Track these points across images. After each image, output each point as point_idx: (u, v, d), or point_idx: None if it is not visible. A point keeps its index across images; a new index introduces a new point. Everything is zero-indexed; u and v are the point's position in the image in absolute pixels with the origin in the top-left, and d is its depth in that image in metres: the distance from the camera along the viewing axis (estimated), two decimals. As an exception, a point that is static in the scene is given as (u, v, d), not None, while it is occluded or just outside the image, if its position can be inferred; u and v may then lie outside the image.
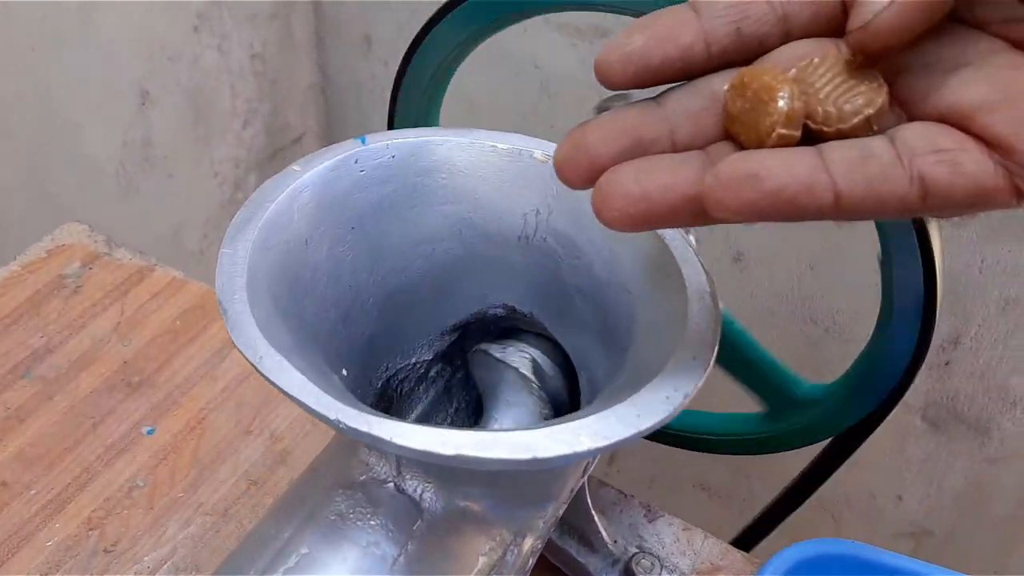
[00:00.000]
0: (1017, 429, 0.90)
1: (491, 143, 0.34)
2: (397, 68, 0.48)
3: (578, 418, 0.26)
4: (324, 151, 0.34)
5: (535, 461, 0.25)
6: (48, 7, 0.74)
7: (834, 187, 0.21)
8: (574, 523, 0.42)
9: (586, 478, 0.38)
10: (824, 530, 1.07)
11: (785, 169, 0.21)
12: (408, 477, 0.30)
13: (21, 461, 0.48)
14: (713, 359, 0.27)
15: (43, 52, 0.75)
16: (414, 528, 0.30)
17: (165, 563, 0.44)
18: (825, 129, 0.22)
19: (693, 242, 0.32)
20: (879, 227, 0.39)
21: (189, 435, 0.50)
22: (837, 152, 0.21)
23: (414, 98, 0.48)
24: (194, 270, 1.02)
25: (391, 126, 0.51)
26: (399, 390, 0.38)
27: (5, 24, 0.71)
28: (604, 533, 0.42)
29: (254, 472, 0.48)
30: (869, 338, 0.44)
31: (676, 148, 0.24)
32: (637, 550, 0.43)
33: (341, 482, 0.31)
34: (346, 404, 0.26)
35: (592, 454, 0.25)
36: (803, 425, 0.46)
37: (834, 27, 0.24)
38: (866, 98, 0.22)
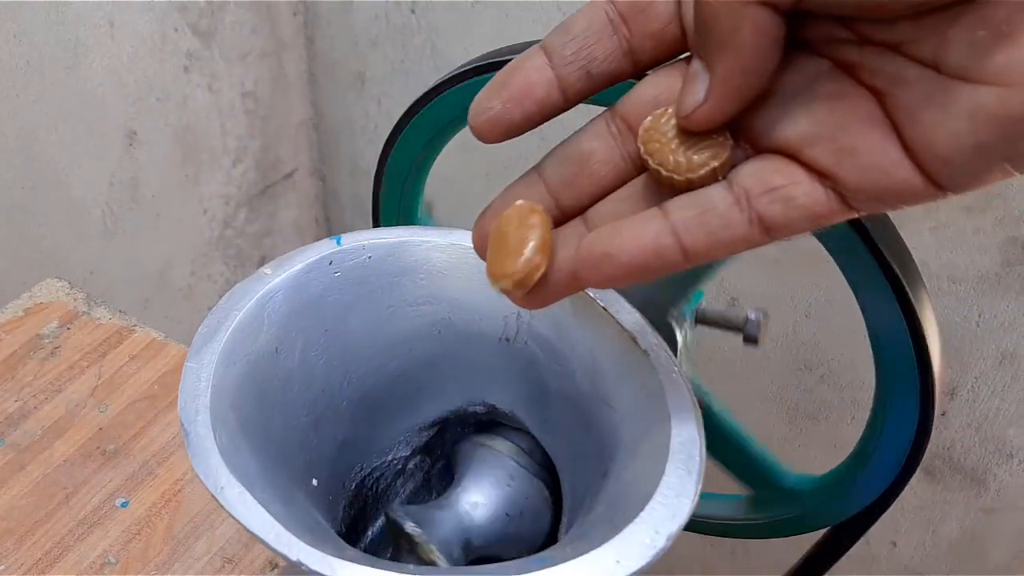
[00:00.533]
0: (1014, 480, 0.89)
1: (470, 244, 0.33)
2: (385, 139, 0.47)
3: (552, 562, 0.24)
4: (296, 252, 0.33)
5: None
6: (32, 51, 0.73)
7: (680, 246, 0.23)
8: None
9: None
10: (817, 573, 1.06)
11: (634, 242, 0.23)
12: None
13: (-9, 537, 0.47)
14: (697, 497, 0.26)
15: (27, 97, 0.74)
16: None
17: (134, 653, 0.43)
18: (676, 177, 0.24)
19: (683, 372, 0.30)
20: (873, 340, 0.38)
21: (164, 508, 0.49)
22: (679, 212, 0.23)
23: (396, 183, 0.47)
24: (182, 307, 1.01)
25: (375, 214, 0.50)
26: (375, 488, 0.37)
27: (-11, 70, 0.71)
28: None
29: (229, 549, 0.47)
30: (860, 437, 0.43)
31: (563, 214, 0.26)
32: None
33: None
34: (308, 541, 0.25)
35: (567, 601, 0.24)
36: (789, 516, 0.45)
37: (679, 50, 0.25)
38: (712, 151, 0.24)
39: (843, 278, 0.42)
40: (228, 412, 0.28)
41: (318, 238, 1.19)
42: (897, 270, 0.37)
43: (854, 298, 0.43)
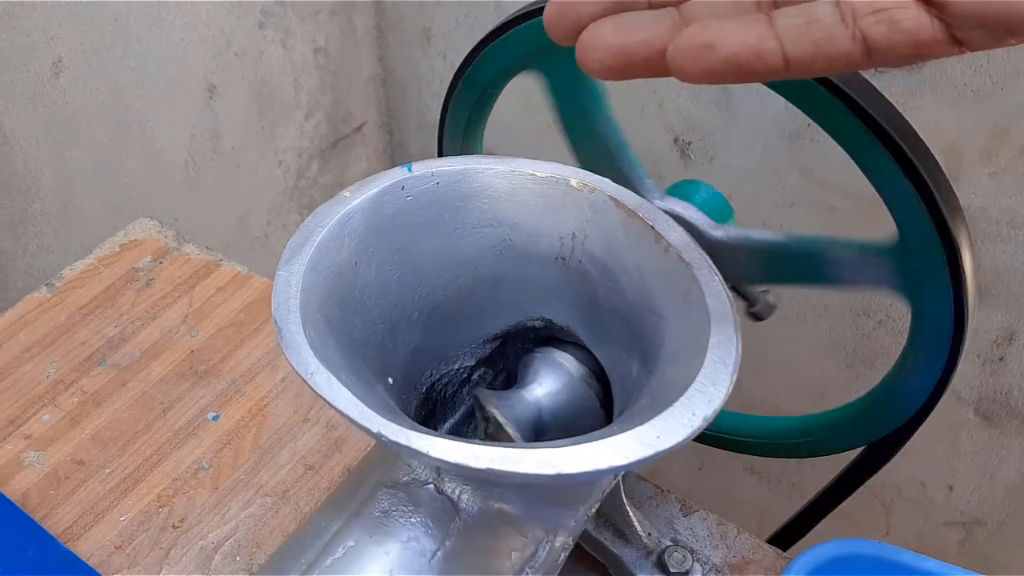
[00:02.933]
0: (1071, 426, 0.90)
1: (530, 171, 0.37)
2: (446, 91, 0.50)
3: (602, 437, 0.28)
4: (372, 179, 0.36)
5: (559, 476, 0.27)
6: (119, 8, 0.78)
7: (783, 52, 0.23)
8: (609, 516, 0.44)
9: (620, 477, 0.41)
10: (874, 517, 1.08)
11: (737, 38, 0.23)
12: (447, 480, 0.33)
13: (97, 442, 0.52)
14: (731, 386, 0.29)
15: (115, 52, 0.79)
16: (451, 526, 0.32)
17: (228, 540, 0.48)
18: None
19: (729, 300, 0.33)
20: (906, 253, 0.40)
21: (251, 421, 0.53)
22: (785, 19, 0.24)
23: (456, 133, 0.50)
24: (259, 254, 1.06)
25: (440, 147, 0.53)
26: (443, 393, 0.40)
27: (79, 26, 0.75)
28: (638, 526, 0.44)
29: (311, 458, 0.51)
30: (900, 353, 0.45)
31: (652, 6, 0.26)
32: (671, 543, 0.45)
33: (386, 482, 0.33)
34: (388, 418, 0.28)
35: (612, 472, 0.27)
36: (832, 435, 0.47)
37: None
38: None
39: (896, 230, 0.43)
40: (316, 314, 0.32)
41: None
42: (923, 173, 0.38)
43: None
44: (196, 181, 0.94)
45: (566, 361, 0.39)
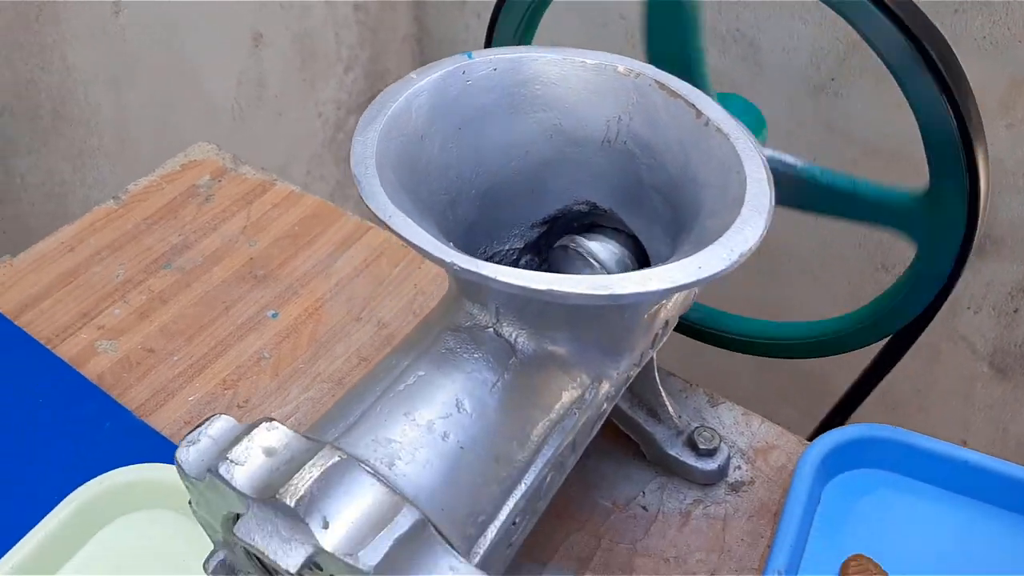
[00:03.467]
0: (1083, 378, 0.92)
1: (580, 59, 0.40)
2: (490, 17, 0.54)
3: (650, 270, 0.31)
4: (436, 64, 0.40)
5: (611, 296, 0.31)
6: (180, -48, 0.82)
7: None
8: (643, 397, 0.48)
9: (655, 353, 0.44)
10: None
11: None
12: (505, 324, 0.37)
13: (164, 334, 0.56)
14: (765, 230, 0.33)
15: (174, -7, 0.83)
16: (509, 363, 0.36)
17: (289, 418, 0.52)
18: None
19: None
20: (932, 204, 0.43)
21: (308, 319, 0.57)
22: None
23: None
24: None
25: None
26: (495, 270, 0.44)
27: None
28: (670, 407, 0.48)
29: (364, 351, 0.55)
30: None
31: None
32: (700, 423, 0.49)
33: (450, 327, 0.37)
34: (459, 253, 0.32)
35: (659, 296, 0.31)
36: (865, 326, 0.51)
37: None
38: None
39: (921, 180, 0.47)
40: (389, 173, 0.36)
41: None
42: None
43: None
44: (241, 126, 0.98)
45: (606, 244, 0.43)
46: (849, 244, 0.98)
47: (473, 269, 0.32)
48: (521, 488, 0.36)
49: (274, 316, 0.58)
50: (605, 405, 0.40)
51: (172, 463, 0.47)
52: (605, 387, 0.39)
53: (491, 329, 0.37)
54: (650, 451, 0.49)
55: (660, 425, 0.49)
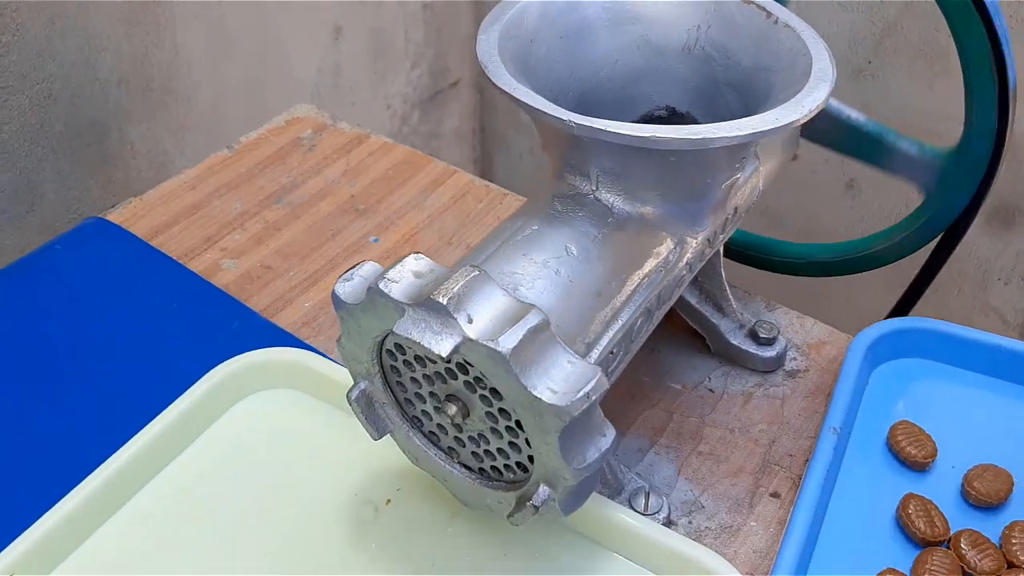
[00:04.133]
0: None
1: (667, -22, 0.48)
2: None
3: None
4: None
5: (703, 140, 0.38)
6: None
7: None
8: (710, 291, 0.55)
9: (723, 243, 0.51)
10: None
11: None
12: (603, 190, 0.44)
13: (279, 255, 0.64)
14: (830, 92, 0.39)
15: (269, -18, 0.92)
16: (607, 221, 0.43)
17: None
18: None
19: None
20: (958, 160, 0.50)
21: (405, 244, 0.65)
22: None
23: None
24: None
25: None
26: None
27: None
28: (733, 302, 0.55)
29: (457, 267, 0.62)
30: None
31: None
32: (759, 319, 0.55)
33: (556, 195, 0.44)
34: (573, 112, 0.39)
35: (743, 140, 0.38)
36: (906, 236, 0.57)
37: None
38: None
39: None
40: (509, 64, 0.43)
41: (474, 147, 1.34)
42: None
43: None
44: (319, 112, 1.06)
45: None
46: (884, 221, 1.04)
47: (587, 124, 0.39)
48: (618, 323, 0.42)
49: (375, 241, 0.65)
50: (685, 272, 0.46)
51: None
52: (685, 252, 0.45)
53: (591, 195, 0.44)
54: (715, 342, 0.56)
55: (724, 318, 0.55)
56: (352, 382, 0.44)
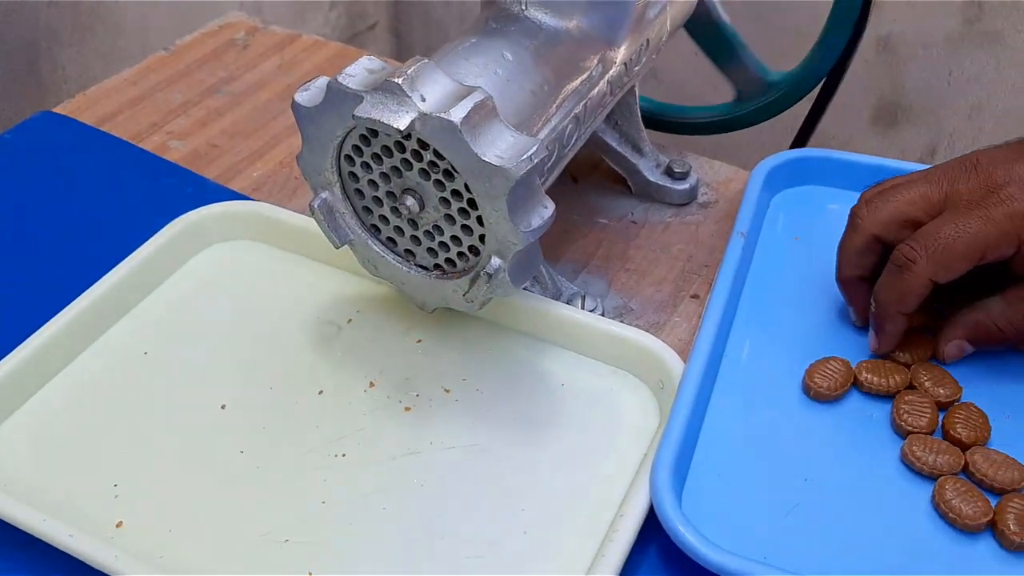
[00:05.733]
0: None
1: None
2: None
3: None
4: None
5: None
6: None
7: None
8: (628, 133, 0.60)
9: (639, 76, 0.57)
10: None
11: None
12: (532, 9, 0.49)
13: (224, 135, 0.67)
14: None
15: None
16: (538, 35, 0.49)
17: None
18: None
19: None
20: None
21: (344, 120, 0.69)
22: None
23: None
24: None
25: None
26: None
27: None
28: (649, 143, 0.61)
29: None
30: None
31: None
32: (673, 158, 0.62)
33: (488, 16, 0.49)
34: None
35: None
36: (765, 104, 0.64)
37: None
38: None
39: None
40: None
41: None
42: None
43: None
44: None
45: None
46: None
47: None
48: (551, 123, 0.48)
49: (316, 118, 0.69)
50: (607, 90, 0.52)
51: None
52: (607, 69, 0.51)
53: (521, 14, 0.49)
54: (635, 182, 0.62)
55: (643, 158, 0.61)
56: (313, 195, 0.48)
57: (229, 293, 0.55)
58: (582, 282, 0.56)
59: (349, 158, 0.46)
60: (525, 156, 0.41)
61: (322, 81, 0.46)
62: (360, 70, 0.44)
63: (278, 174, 0.64)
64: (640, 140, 0.61)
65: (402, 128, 0.41)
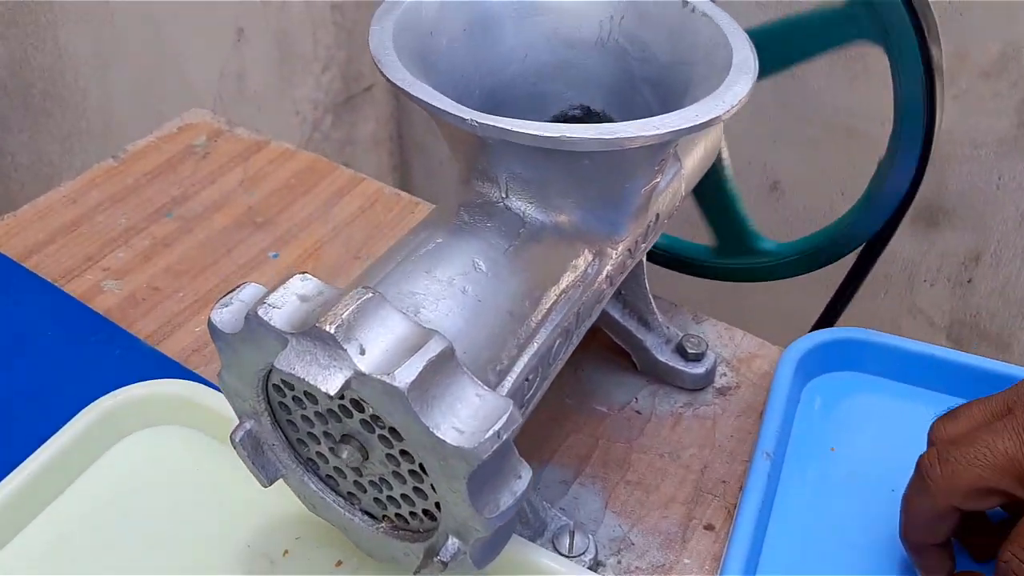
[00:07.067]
0: (1037, 343, 0.97)
1: (576, -35, 0.44)
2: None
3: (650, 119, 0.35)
4: (446, -34, 0.43)
5: (618, 140, 0.34)
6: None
7: None
8: (634, 305, 0.51)
9: (645, 252, 0.47)
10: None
11: None
12: (514, 197, 0.40)
13: (169, 273, 0.58)
14: (751, 86, 0.36)
15: (161, -20, 0.86)
16: (519, 232, 0.39)
17: (297, 338, 0.53)
18: None
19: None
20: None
21: (307, 259, 0.59)
22: None
23: None
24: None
25: None
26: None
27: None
28: (659, 315, 0.51)
29: (363, 284, 0.58)
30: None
31: None
32: (686, 333, 0.52)
33: (462, 204, 0.40)
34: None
35: (662, 139, 0.34)
36: (744, 267, 0.55)
37: None
38: None
39: (875, 157, 0.51)
40: (405, 57, 0.39)
41: (392, 153, 1.29)
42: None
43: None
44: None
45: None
46: (810, 224, 1.03)
47: (492, 123, 0.35)
48: (534, 346, 0.38)
49: (275, 256, 0.60)
50: (605, 286, 0.42)
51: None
52: (605, 264, 0.41)
53: (501, 204, 0.40)
54: (641, 359, 0.52)
55: (650, 333, 0.52)
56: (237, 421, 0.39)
57: (146, 504, 0.46)
58: (573, 498, 0.47)
59: (278, 387, 0.37)
60: (492, 431, 0.32)
61: (248, 293, 0.37)
62: (288, 298, 0.34)
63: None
64: (647, 313, 0.51)
65: (332, 392, 0.32)
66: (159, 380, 0.49)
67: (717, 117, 0.35)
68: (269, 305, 0.34)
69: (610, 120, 0.46)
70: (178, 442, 0.49)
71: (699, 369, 0.51)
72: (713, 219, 0.56)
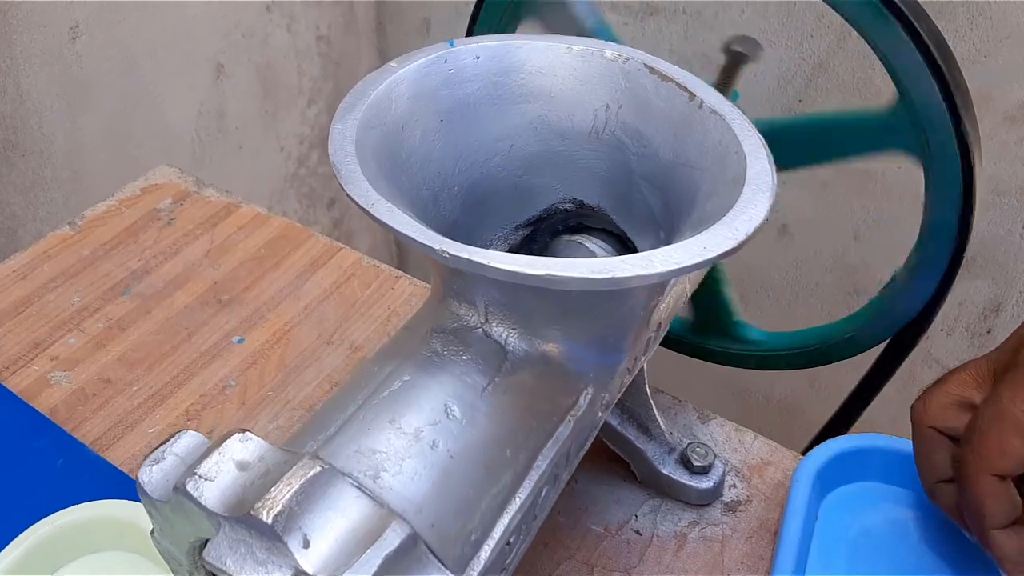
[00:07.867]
0: (1059, 398, 0.91)
1: (566, 46, 0.38)
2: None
3: (653, 252, 0.29)
4: (417, 52, 0.38)
5: (613, 280, 0.29)
6: (138, -22, 0.80)
7: None
8: (633, 411, 0.46)
9: (647, 361, 0.42)
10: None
11: None
12: (495, 323, 0.34)
13: (123, 363, 0.53)
14: (769, 208, 0.31)
15: (130, 22, 0.81)
16: (501, 366, 0.34)
17: (259, 446, 0.48)
18: None
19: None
20: (910, 110, 0.42)
21: (276, 344, 0.54)
22: None
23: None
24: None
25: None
26: (478, 277, 0.41)
27: (100, -9, 0.77)
28: (661, 422, 0.46)
29: (336, 375, 0.52)
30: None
31: None
32: (692, 440, 0.47)
33: (436, 329, 0.35)
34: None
35: (662, 277, 0.29)
36: (727, 352, 0.51)
37: None
38: None
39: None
40: (371, 162, 0.34)
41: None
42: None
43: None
44: (202, 159, 0.95)
45: (594, 245, 0.41)
46: (820, 268, 0.98)
47: (465, 256, 0.29)
48: (516, 503, 0.33)
49: (240, 341, 0.54)
50: (600, 414, 0.37)
51: (132, 499, 0.44)
52: (600, 393, 0.36)
53: (480, 330, 0.34)
54: (641, 470, 0.47)
55: (651, 442, 0.46)
56: (174, 583, 0.34)
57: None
58: (564, 638, 0.42)
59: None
60: (461, 640, 0.27)
61: (185, 445, 0.32)
62: (224, 466, 0.29)
63: (181, 428, 0.49)
64: (648, 419, 0.46)
65: (269, 595, 0.26)
66: (103, 501, 0.44)
67: (730, 250, 0.29)
68: (200, 477, 0.29)
69: (605, 215, 0.41)
70: (126, 568, 0.44)
71: (706, 484, 0.46)
72: (696, 297, 0.51)
